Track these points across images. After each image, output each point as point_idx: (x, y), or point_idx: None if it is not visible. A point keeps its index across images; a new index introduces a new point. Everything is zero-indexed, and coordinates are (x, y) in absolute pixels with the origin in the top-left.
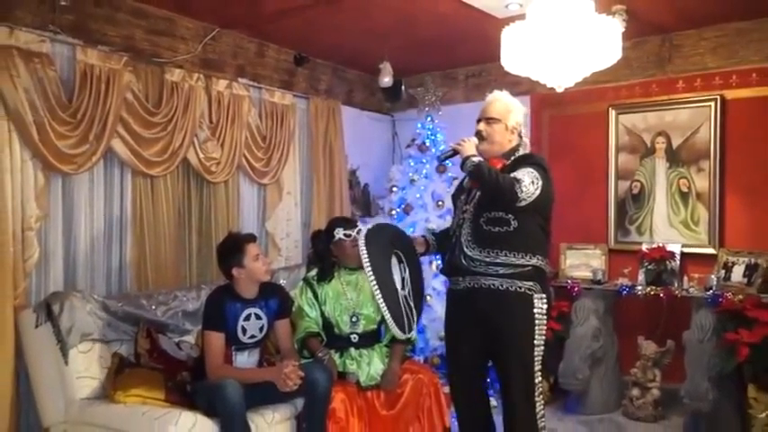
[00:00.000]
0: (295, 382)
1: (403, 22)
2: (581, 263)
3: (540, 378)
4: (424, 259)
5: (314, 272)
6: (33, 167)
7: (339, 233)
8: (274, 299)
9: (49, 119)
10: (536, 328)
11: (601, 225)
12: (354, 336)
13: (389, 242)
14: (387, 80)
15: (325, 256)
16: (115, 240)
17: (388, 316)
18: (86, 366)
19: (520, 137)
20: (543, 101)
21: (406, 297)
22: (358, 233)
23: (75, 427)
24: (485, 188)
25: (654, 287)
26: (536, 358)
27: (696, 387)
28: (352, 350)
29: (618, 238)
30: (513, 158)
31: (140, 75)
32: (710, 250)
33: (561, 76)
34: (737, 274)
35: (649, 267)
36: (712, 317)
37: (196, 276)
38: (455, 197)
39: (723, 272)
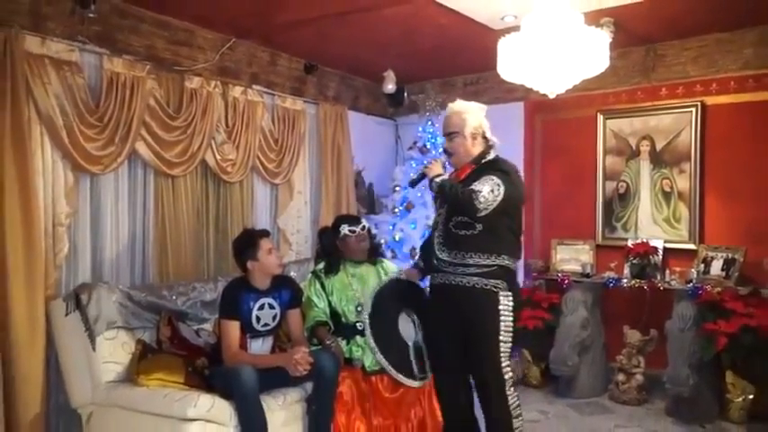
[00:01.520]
0: (305, 368)
1: (405, 34)
2: (571, 257)
3: (510, 373)
4: None
5: (321, 265)
6: (63, 168)
7: (344, 229)
8: (286, 290)
9: (78, 123)
10: (501, 324)
11: (589, 222)
12: (360, 324)
13: (399, 298)
14: (390, 87)
15: (331, 250)
16: (138, 235)
17: (390, 369)
18: (112, 352)
19: (485, 138)
20: (536, 106)
21: (417, 343)
22: (362, 229)
23: (101, 408)
24: (449, 203)
25: (638, 280)
26: (503, 353)
27: (677, 373)
28: (358, 338)
29: (605, 235)
30: (479, 164)
31: (162, 82)
32: (691, 246)
33: (553, 84)
34: (716, 268)
35: (634, 262)
36: (693, 308)
37: (213, 269)
38: (434, 200)
39: (703, 266)
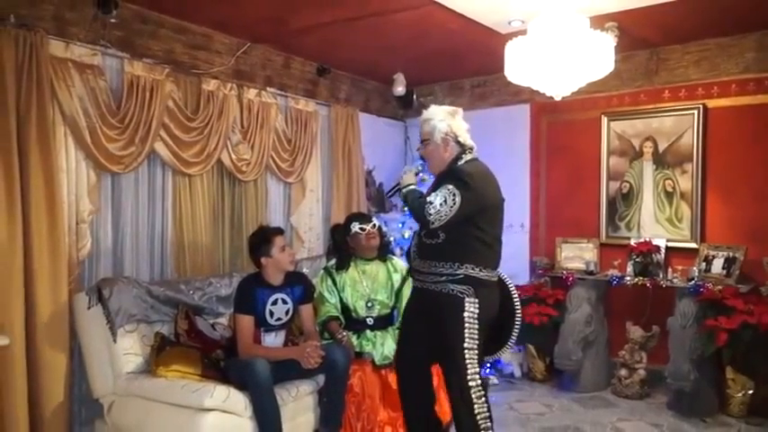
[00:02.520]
0: (316, 360)
1: (415, 38)
2: (575, 255)
3: (477, 381)
4: None
5: (333, 262)
6: (86, 167)
7: (355, 227)
8: (299, 286)
9: (100, 124)
10: (465, 330)
11: (593, 221)
12: (370, 319)
13: None
14: (400, 89)
15: (342, 247)
16: (157, 232)
17: None
18: (132, 344)
19: (459, 143)
20: (542, 108)
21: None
22: (373, 227)
23: (121, 398)
24: (411, 214)
25: (641, 278)
26: (468, 360)
27: (679, 368)
28: (368, 332)
29: (609, 233)
30: (441, 172)
31: (180, 84)
32: (693, 245)
33: (559, 86)
34: (717, 266)
35: (637, 260)
36: (694, 305)
37: (229, 265)
38: None
39: (704, 264)
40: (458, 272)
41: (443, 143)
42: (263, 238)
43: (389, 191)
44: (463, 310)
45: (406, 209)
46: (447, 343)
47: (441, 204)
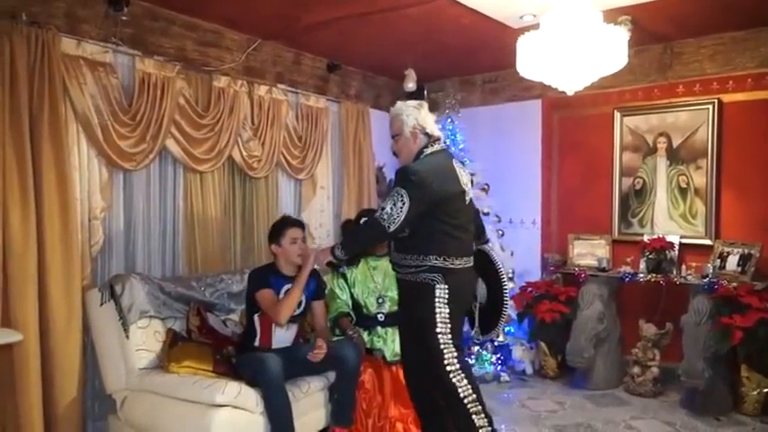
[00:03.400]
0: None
1: (426, 33)
2: (587, 252)
3: (455, 365)
4: None
5: None
6: (98, 164)
7: None
8: (312, 281)
9: (112, 121)
10: (437, 316)
11: (606, 218)
12: (381, 315)
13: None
14: (411, 85)
15: None
16: (169, 229)
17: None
18: (144, 340)
19: (426, 134)
20: (553, 104)
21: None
22: None
23: (134, 393)
24: (364, 244)
25: (654, 275)
26: (442, 345)
27: (692, 366)
28: (379, 328)
29: (621, 230)
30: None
31: (191, 81)
32: (707, 241)
33: (572, 81)
34: (732, 263)
35: (650, 256)
36: (708, 302)
37: (240, 261)
38: None
39: (719, 261)
40: (423, 263)
41: (412, 136)
42: (278, 227)
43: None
44: (434, 297)
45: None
46: (420, 329)
47: (391, 208)
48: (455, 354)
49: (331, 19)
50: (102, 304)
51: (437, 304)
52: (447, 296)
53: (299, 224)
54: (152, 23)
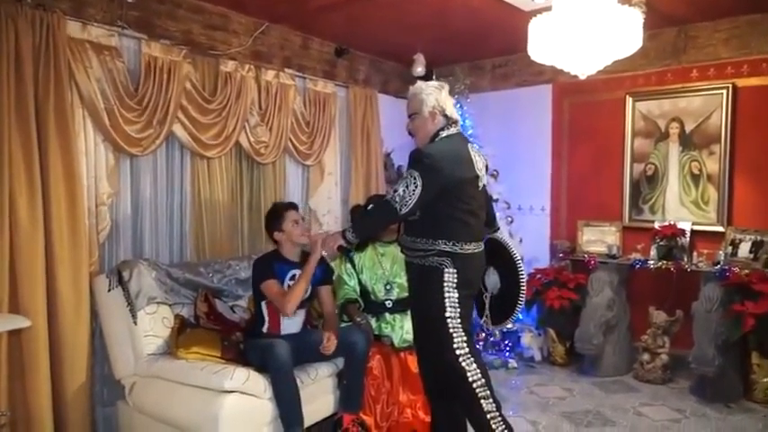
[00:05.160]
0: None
1: (435, 17)
2: (597, 239)
3: (465, 349)
4: None
5: None
6: (105, 149)
7: None
8: (318, 266)
9: (118, 106)
10: (446, 300)
11: (616, 204)
12: (389, 302)
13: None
14: (420, 70)
15: None
16: (176, 215)
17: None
18: (152, 326)
19: (446, 116)
20: (564, 89)
21: (491, 296)
22: None
23: (143, 379)
24: (375, 228)
25: (665, 262)
26: (452, 329)
27: (703, 353)
28: (387, 315)
29: (632, 217)
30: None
31: (198, 66)
32: (719, 228)
33: (585, 65)
34: (744, 250)
35: (661, 243)
36: (720, 289)
37: (247, 247)
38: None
39: (730, 248)
40: (432, 247)
41: (431, 116)
42: (275, 214)
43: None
44: (443, 281)
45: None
46: (430, 314)
47: (403, 191)
48: (464, 338)
49: (339, 2)
50: (109, 290)
51: (446, 288)
52: (456, 280)
53: (294, 206)
54: (158, 6)
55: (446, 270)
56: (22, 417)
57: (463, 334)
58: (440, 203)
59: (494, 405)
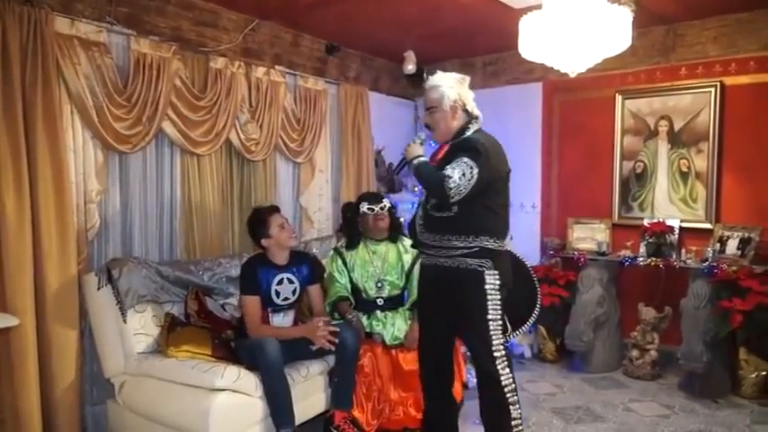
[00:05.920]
0: (326, 337)
1: (426, 14)
2: (587, 236)
3: (501, 351)
4: None
5: (342, 241)
6: (93, 147)
7: (363, 207)
8: (305, 265)
9: (107, 103)
10: (488, 303)
11: (606, 201)
12: (380, 300)
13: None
14: (410, 68)
15: (352, 225)
16: (166, 212)
17: None
18: (142, 324)
19: (467, 112)
20: (554, 87)
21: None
22: (382, 209)
23: (133, 378)
24: (423, 189)
25: (654, 258)
26: (492, 331)
27: (691, 349)
28: (378, 312)
29: (621, 214)
30: (453, 142)
31: (187, 62)
32: (707, 225)
33: (574, 63)
34: (732, 247)
35: (650, 240)
36: (708, 286)
37: (238, 245)
38: None
39: (718, 245)
40: (472, 244)
41: (452, 111)
42: (258, 220)
43: (397, 167)
44: (484, 283)
45: (416, 187)
46: (470, 316)
47: (459, 178)
48: (502, 341)
49: None
50: (98, 288)
51: (489, 291)
52: (498, 282)
53: (277, 209)
54: (147, 2)
55: (486, 272)
56: (10, 416)
57: (501, 336)
58: (483, 197)
59: (520, 411)
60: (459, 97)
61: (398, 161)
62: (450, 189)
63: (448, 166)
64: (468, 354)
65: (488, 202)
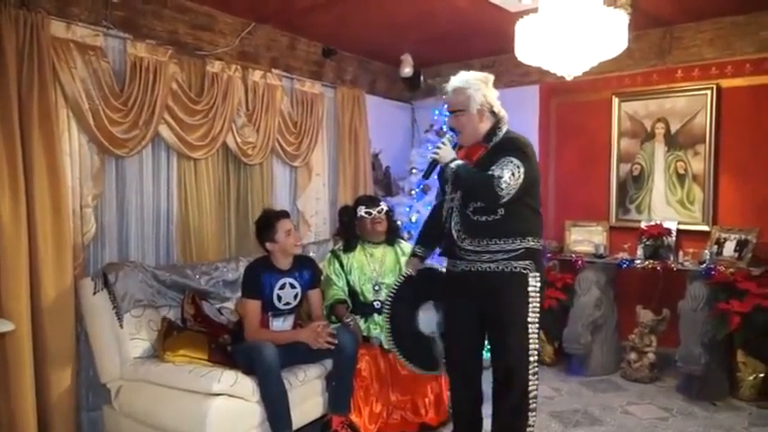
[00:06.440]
0: (326, 340)
1: (423, 17)
2: (584, 238)
3: (535, 356)
4: None
5: (339, 244)
6: (90, 150)
7: (361, 210)
8: (308, 270)
9: (103, 107)
10: (530, 306)
11: (603, 204)
12: (377, 303)
13: (423, 292)
14: (407, 71)
15: (350, 228)
16: (163, 216)
17: (400, 357)
18: (138, 329)
19: (493, 113)
20: (551, 89)
21: (432, 338)
22: (379, 212)
23: (129, 383)
24: (465, 192)
25: (651, 261)
26: (531, 334)
27: (689, 352)
28: (376, 316)
29: (619, 216)
30: (492, 143)
31: (184, 66)
32: (704, 227)
33: (571, 66)
34: (729, 249)
35: (647, 243)
36: (705, 288)
37: (235, 249)
38: (441, 181)
39: (716, 247)
40: (520, 246)
41: (479, 114)
42: (266, 223)
43: (427, 171)
44: (527, 286)
45: (413, 190)
46: (511, 318)
47: (509, 178)
48: (537, 346)
49: (326, 2)
50: (95, 293)
51: (531, 294)
52: (539, 285)
53: (286, 214)
54: (143, 6)
55: (530, 275)
56: (5, 422)
57: (537, 341)
58: (527, 197)
59: (535, 419)
60: (485, 99)
61: (428, 165)
62: (502, 190)
63: (494, 167)
64: (498, 361)
65: (531, 202)
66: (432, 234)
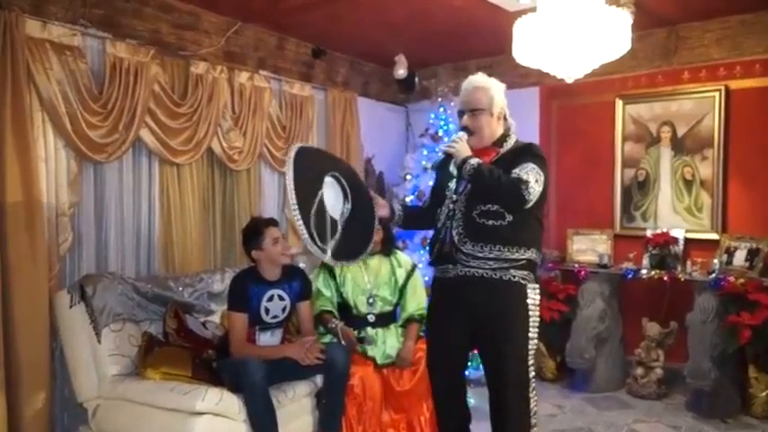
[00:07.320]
0: (316, 356)
1: (417, 16)
2: (587, 248)
3: (533, 372)
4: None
5: None
6: (66, 156)
7: None
8: (297, 281)
9: (81, 110)
10: (530, 319)
11: (607, 211)
12: (371, 316)
13: (330, 165)
14: (401, 72)
15: None
16: (144, 225)
17: (300, 225)
18: (118, 344)
19: (505, 119)
20: (552, 92)
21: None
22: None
23: (107, 401)
24: (486, 192)
25: (658, 271)
26: (530, 351)
27: (699, 367)
28: (369, 329)
29: (623, 224)
30: (507, 148)
31: (167, 67)
32: (713, 236)
33: (572, 68)
34: (739, 258)
35: (653, 252)
36: (715, 300)
37: (220, 259)
38: (441, 179)
39: (725, 256)
40: (522, 256)
41: (497, 117)
42: (253, 230)
43: (436, 164)
44: (527, 298)
45: (409, 196)
46: (510, 331)
47: (535, 183)
48: (533, 362)
49: (316, 0)
50: (71, 306)
51: (530, 307)
52: (538, 298)
53: (274, 222)
54: (123, 4)
55: (529, 286)
56: None
57: (533, 359)
58: (536, 207)
59: None
60: (504, 104)
61: (442, 156)
62: (530, 195)
63: (518, 171)
64: (493, 376)
65: (537, 213)
66: (412, 217)
